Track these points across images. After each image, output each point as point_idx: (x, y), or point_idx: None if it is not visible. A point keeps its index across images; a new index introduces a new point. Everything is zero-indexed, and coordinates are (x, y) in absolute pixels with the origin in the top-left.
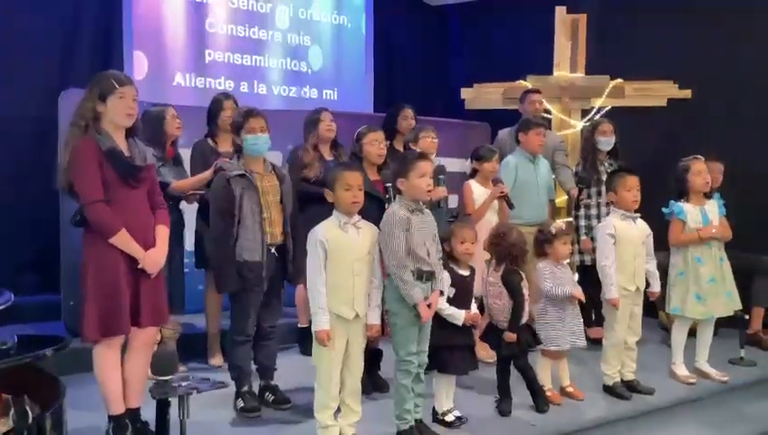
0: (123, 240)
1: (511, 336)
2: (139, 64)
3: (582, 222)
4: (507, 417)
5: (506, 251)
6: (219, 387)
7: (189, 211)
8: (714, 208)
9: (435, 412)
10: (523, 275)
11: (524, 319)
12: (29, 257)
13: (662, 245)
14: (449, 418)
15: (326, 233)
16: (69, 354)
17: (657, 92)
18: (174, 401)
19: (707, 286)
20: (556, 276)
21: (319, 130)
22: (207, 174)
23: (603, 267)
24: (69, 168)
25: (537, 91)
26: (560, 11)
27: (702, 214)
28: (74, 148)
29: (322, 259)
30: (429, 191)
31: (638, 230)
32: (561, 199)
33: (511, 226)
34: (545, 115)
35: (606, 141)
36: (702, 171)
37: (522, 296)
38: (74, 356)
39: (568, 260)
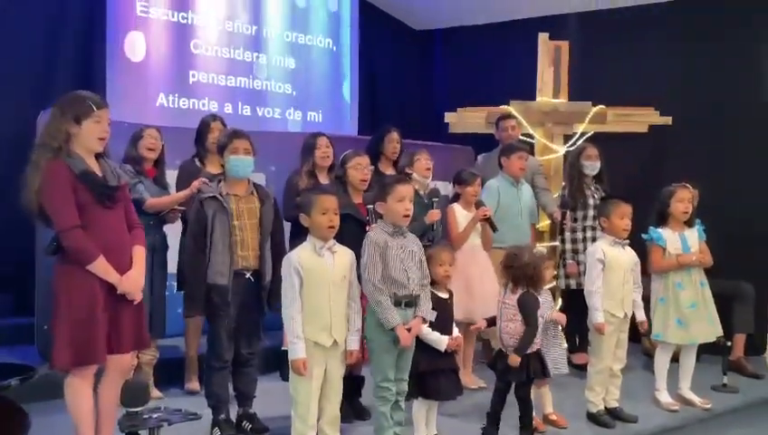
0: (101, 267)
1: (515, 359)
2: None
3: (568, 246)
4: None
5: (521, 273)
6: (192, 419)
7: (174, 233)
8: (693, 235)
9: None
10: (540, 302)
11: (535, 347)
12: (2, 280)
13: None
14: None
15: (301, 258)
16: (38, 381)
17: (639, 119)
18: (144, 434)
19: (688, 312)
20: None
21: (314, 156)
22: (184, 193)
23: (590, 293)
24: (41, 192)
25: (510, 117)
26: (543, 38)
27: (681, 240)
28: (46, 172)
29: (297, 286)
30: (407, 216)
31: (627, 257)
32: (544, 224)
33: (522, 247)
34: (528, 140)
35: (591, 166)
36: (685, 199)
37: (536, 322)
38: (44, 383)
39: (551, 285)
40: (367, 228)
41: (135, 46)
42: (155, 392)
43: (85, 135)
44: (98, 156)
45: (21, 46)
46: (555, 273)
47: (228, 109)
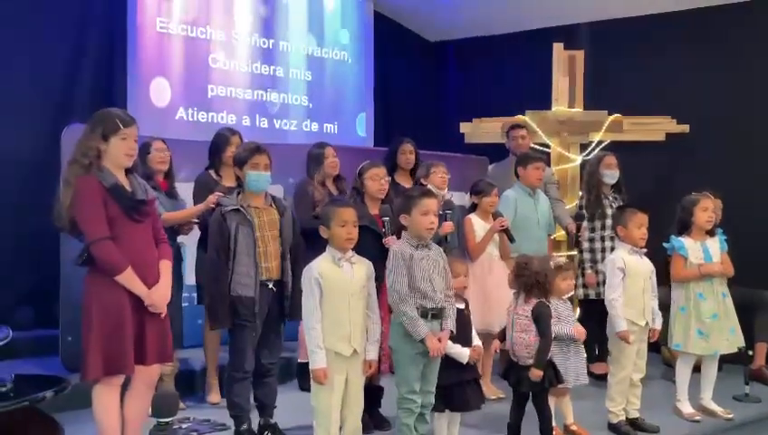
0: (129, 278)
1: (537, 373)
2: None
3: (587, 256)
4: None
5: (533, 280)
6: (220, 429)
7: (190, 245)
8: (715, 244)
9: None
10: (553, 311)
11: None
12: (28, 292)
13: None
14: None
15: (321, 269)
16: (67, 392)
17: (655, 127)
18: None
19: (709, 322)
20: (559, 313)
21: (324, 166)
22: (199, 208)
23: (611, 301)
24: (72, 206)
25: (520, 127)
26: (557, 47)
27: (704, 250)
28: (77, 186)
29: (318, 297)
30: (431, 229)
31: (645, 265)
32: (561, 234)
33: (531, 255)
34: (543, 149)
35: (611, 175)
36: (709, 208)
37: (550, 332)
38: (71, 393)
39: (570, 294)
40: (384, 240)
41: (160, 92)
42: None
43: (112, 151)
44: (127, 171)
45: (44, 66)
46: (574, 283)
47: (246, 122)
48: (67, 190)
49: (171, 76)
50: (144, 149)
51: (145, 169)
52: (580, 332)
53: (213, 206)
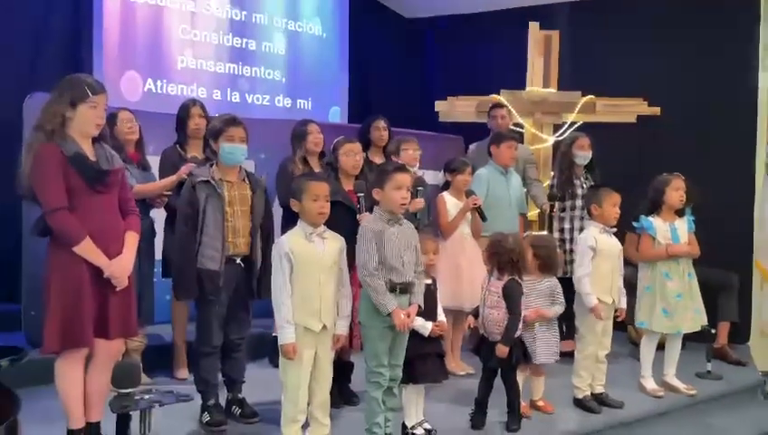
0: (87, 249)
1: (503, 350)
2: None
3: (556, 235)
4: (479, 430)
5: (506, 258)
6: (183, 400)
7: (161, 219)
8: (683, 225)
9: (404, 427)
10: (524, 290)
11: (518, 333)
12: None
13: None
14: (418, 431)
15: (291, 244)
16: (26, 367)
17: (627, 109)
18: (135, 415)
19: (674, 301)
20: (530, 291)
21: (306, 143)
22: (171, 179)
23: (580, 278)
24: (31, 174)
25: (500, 106)
26: (533, 27)
27: (671, 230)
28: (36, 153)
29: (288, 272)
30: (403, 204)
31: (615, 244)
32: (533, 213)
33: (506, 233)
34: (517, 129)
35: (583, 156)
36: (680, 188)
37: (519, 310)
38: (32, 368)
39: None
40: (358, 217)
41: (132, 87)
42: (144, 379)
43: (80, 119)
44: (95, 140)
45: (9, 32)
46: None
47: (217, 95)
48: (29, 156)
49: (139, 46)
50: (110, 120)
51: (114, 141)
52: (532, 314)
53: (185, 177)
